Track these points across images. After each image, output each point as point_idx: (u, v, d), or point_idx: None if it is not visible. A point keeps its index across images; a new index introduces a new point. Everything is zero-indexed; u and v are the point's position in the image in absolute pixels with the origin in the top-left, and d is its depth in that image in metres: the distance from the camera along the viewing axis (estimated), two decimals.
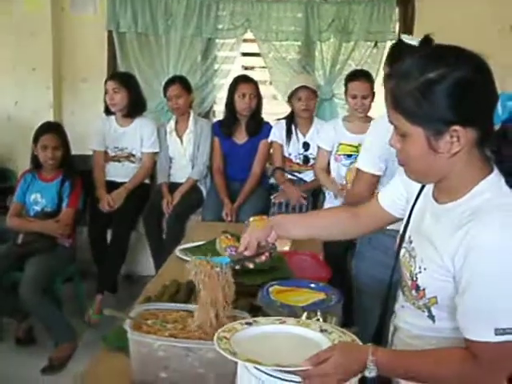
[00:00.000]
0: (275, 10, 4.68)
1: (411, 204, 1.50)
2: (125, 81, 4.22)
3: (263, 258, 1.73)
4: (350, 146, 3.57)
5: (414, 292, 1.39)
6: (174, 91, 4.27)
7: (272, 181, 4.32)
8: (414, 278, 1.38)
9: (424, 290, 1.35)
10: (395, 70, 1.29)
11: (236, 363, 1.28)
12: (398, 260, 1.51)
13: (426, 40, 2.24)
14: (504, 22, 3.63)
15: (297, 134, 4.13)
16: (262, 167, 4.32)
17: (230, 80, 4.53)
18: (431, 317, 1.37)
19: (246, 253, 1.65)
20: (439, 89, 1.20)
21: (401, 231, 1.53)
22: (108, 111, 4.31)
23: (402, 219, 1.59)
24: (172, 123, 4.43)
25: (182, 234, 4.07)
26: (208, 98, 4.89)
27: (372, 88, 3.56)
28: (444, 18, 4.35)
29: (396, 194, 1.59)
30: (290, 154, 4.17)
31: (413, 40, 2.23)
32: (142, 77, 4.69)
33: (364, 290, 2.43)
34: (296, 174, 4.15)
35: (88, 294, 3.95)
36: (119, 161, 4.33)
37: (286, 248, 2.64)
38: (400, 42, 2.30)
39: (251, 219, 2.85)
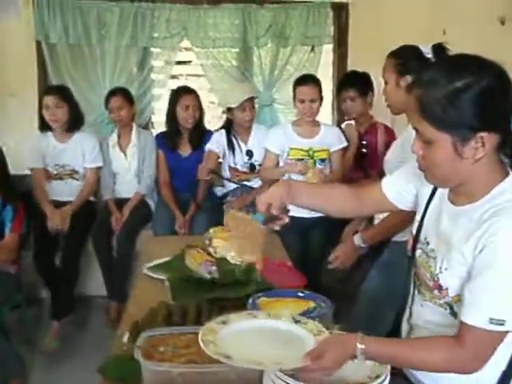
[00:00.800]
0: (212, 17, 4.62)
1: (423, 206, 1.53)
2: (65, 95, 4.03)
3: (286, 219, 1.68)
4: (301, 150, 3.57)
5: (436, 292, 1.42)
6: (116, 103, 4.13)
7: (224, 190, 4.25)
8: (436, 279, 1.41)
9: (447, 289, 1.39)
10: (422, 79, 1.32)
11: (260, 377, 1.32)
12: (414, 260, 1.53)
13: (439, 47, 2.29)
14: (438, 26, 3.73)
15: (238, 143, 4.06)
16: (208, 172, 4.22)
17: (167, 90, 4.43)
18: (453, 314, 1.41)
19: (274, 211, 1.61)
20: (466, 97, 1.24)
21: (414, 232, 1.55)
22: (43, 127, 4.10)
23: (404, 211, 1.65)
24: (114, 137, 4.28)
25: (133, 251, 3.97)
26: (146, 109, 4.76)
27: (320, 92, 3.56)
28: (377, 22, 4.46)
29: (403, 187, 1.62)
30: (236, 164, 4.10)
31: (426, 47, 2.27)
32: (77, 90, 4.47)
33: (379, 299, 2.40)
34: (245, 183, 4.09)
35: (36, 321, 3.74)
36: (62, 178, 4.12)
37: (255, 258, 2.59)
38: (412, 49, 2.33)
39: (211, 231, 2.81)
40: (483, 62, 1.30)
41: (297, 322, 1.47)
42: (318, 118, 3.67)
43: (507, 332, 1.29)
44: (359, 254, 2.42)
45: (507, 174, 1.36)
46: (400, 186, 1.63)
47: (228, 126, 4.05)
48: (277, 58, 4.74)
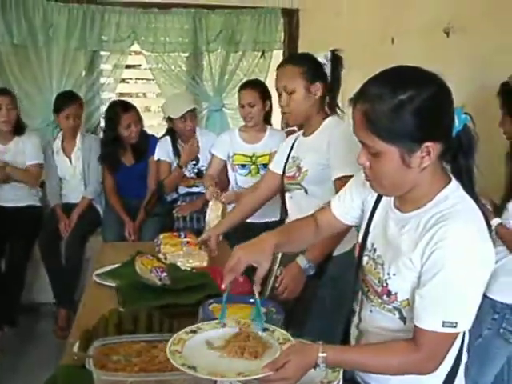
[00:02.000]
0: (162, 21, 4.60)
1: (368, 214, 1.56)
2: (13, 97, 3.94)
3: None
4: (244, 155, 3.57)
5: (384, 297, 1.44)
6: (74, 111, 4.04)
7: (174, 196, 4.22)
8: (385, 284, 1.43)
9: (396, 294, 1.41)
10: (366, 93, 1.33)
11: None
12: (362, 267, 1.55)
13: (334, 56, 2.37)
14: (387, 34, 3.80)
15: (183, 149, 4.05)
16: (156, 183, 4.18)
17: (116, 94, 4.38)
18: (402, 318, 1.43)
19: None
20: (410, 109, 1.27)
21: (360, 240, 1.58)
22: None
23: (353, 226, 1.67)
24: (58, 142, 4.19)
25: (82, 257, 3.90)
26: (95, 114, 4.70)
27: (262, 97, 3.56)
28: (326, 28, 4.51)
29: (350, 204, 1.64)
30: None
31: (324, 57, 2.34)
32: (22, 92, 4.39)
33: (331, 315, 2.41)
34: (193, 189, 4.08)
35: None
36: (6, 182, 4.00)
37: (204, 264, 2.59)
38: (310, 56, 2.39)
39: (161, 237, 2.80)
40: (424, 74, 1.33)
41: (265, 330, 1.48)
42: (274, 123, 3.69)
43: (459, 333, 1.34)
44: (308, 274, 2.32)
45: (449, 180, 1.39)
46: (347, 203, 1.65)
47: (172, 133, 4.02)
48: (227, 63, 4.77)
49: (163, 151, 4.00)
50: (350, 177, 1.71)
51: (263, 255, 1.56)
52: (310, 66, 2.35)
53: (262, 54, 4.80)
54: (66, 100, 4.05)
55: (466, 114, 1.37)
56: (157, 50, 4.65)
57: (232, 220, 2.72)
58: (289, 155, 2.53)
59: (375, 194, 1.53)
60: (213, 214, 3.02)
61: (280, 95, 2.39)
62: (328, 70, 2.39)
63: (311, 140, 2.43)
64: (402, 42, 3.65)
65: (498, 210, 2.29)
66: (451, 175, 1.41)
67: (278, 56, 4.80)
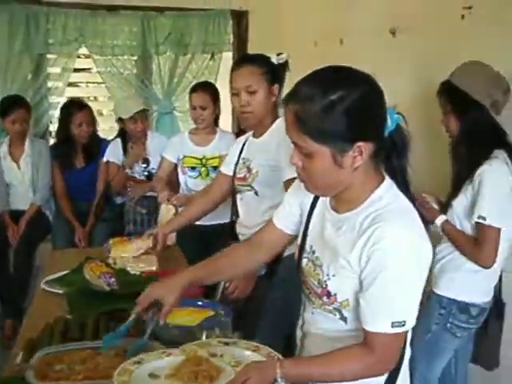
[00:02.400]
0: (110, 24, 4.52)
1: (306, 216, 1.56)
2: None
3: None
4: (194, 158, 3.56)
5: (325, 298, 1.44)
6: (21, 115, 3.95)
7: (119, 201, 4.17)
8: (324, 285, 1.43)
9: (335, 294, 1.41)
10: (297, 94, 1.33)
11: None
12: (302, 269, 1.54)
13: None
14: (335, 35, 3.84)
15: (134, 151, 4.02)
16: (106, 185, 4.14)
17: (65, 98, 4.30)
18: (343, 319, 1.43)
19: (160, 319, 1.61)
20: (341, 109, 1.27)
21: (299, 242, 1.57)
22: None
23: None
24: (5, 147, 4.09)
25: (31, 265, 3.82)
26: (43, 118, 4.59)
27: (213, 99, 3.56)
28: (276, 30, 4.53)
29: (291, 212, 1.63)
30: (133, 173, 4.04)
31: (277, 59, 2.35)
32: None
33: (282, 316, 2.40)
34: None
35: None
36: None
37: (154, 268, 2.57)
38: (265, 57, 2.38)
39: (111, 241, 2.77)
40: (356, 75, 1.33)
41: (212, 355, 1.45)
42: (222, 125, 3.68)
43: (408, 330, 1.36)
44: (259, 275, 2.35)
45: (383, 179, 1.40)
46: (288, 212, 1.64)
47: (123, 135, 3.99)
48: (176, 65, 4.73)
49: (113, 153, 3.97)
50: None
51: (169, 292, 1.60)
52: (270, 68, 2.36)
53: (212, 56, 4.78)
54: (12, 104, 3.96)
55: (398, 113, 1.37)
56: (105, 53, 4.57)
57: (180, 221, 2.72)
58: (239, 157, 2.53)
59: (312, 196, 1.53)
60: (164, 217, 3.00)
61: (236, 95, 2.37)
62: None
63: (261, 141, 2.43)
64: (351, 43, 3.70)
65: (444, 208, 2.33)
66: (385, 174, 1.41)
67: (227, 58, 4.79)
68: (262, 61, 2.39)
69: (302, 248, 1.55)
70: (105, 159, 3.99)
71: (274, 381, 1.31)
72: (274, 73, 2.37)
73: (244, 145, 2.54)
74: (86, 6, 4.46)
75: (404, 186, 1.40)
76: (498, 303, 2.40)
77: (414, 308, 1.34)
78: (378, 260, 1.29)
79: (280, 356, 1.48)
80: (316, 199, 1.53)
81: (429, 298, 2.38)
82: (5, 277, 3.83)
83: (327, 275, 1.41)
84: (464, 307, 2.30)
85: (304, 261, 1.52)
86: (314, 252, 1.49)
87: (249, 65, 2.39)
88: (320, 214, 1.51)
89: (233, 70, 2.43)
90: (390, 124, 1.35)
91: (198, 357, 1.41)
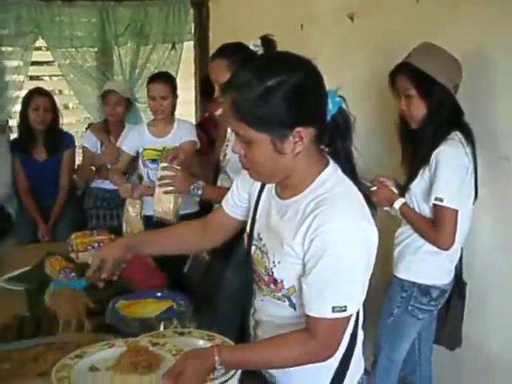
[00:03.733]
0: (67, 15, 4.47)
1: (254, 203, 1.55)
2: None
3: (114, 277, 1.75)
4: (155, 150, 3.51)
5: (272, 285, 1.44)
6: None
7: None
8: (270, 273, 1.43)
9: (282, 281, 1.41)
10: (234, 81, 1.32)
11: None
12: (250, 257, 1.54)
13: (266, 40, 2.31)
14: (295, 21, 3.82)
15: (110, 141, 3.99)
16: (69, 179, 4.12)
17: (24, 92, 4.23)
18: (292, 305, 1.44)
19: (104, 275, 1.65)
20: (278, 95, 1.26)
21: (247, 230, 1.56)
22: None
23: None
24: None
25: None
26: (3, 113, 4.52)
27: (172, 89, 3.53)
28: (236, 18, 4.50)
29: (239, 198, 1.63)
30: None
31: (252, 42, 2.30)
32: None
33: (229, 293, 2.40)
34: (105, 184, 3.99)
35: None
36: None
37: None
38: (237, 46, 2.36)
39: (73, 236, 2.73)
40: (294, 59, 1.32)
41: (154, 344, 1.44)
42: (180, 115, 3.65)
43: (351, 315, 1.34)
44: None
45: (327, 163, 1.39)
46: (235, 197, 1.64)
47: (104, 124, 4.02)
48: (137, 56, 4.71)
49: (89, 141, 3.98)
50: None
51: (110, 252, 1.69)
52: (236, 57, 2.31)
53: (173, 45, 4.75)
54: None
55: (340, 96, 1.36)
56: (63, 44, 4.52)
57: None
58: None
59: (259, 183, 1.52)
60: (130, 213, 2.97)
61: None
62: None
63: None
64: (311, 28, 3.68)
65: (402, 191, 2.34)
66: (329, 158, 1.41)
67: (189, 47, 4.77)
68: (227, 51, 2.36)
69: (250, 235, 1.54)
70: (83, 144, 3.98)
71: (213, 368, 1.29)
72: (246, 61, 2.33)
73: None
74: None
75: (348, 169, 1.40)
76: (459, 283, 2.42)
77: (357, 293, 1.34)
78: (320, 244, 1.28)
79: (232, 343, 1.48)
80: (263, 186, 1.53)
81: (390, 282, 2.40)
82: None
83: (273, 262, 1.41)
84: (425, 289, 2.31)
85: (253, 248, 1.52)
86: (261, 239, 1.49)
87: (217, 57, 2.38)
88: (266, 201, 1.51)
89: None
90: (331, 107, 1.34)
91: (138, 346, 1.40)
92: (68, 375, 1.27)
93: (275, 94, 1.25)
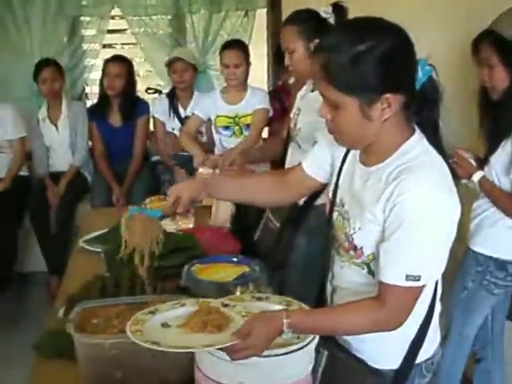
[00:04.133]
0: None
1: (337, 169, 1.55)
2: None
3: (190, 215, 1.72)
4: (227, 117, 3.54)
5: (352, 252, 1.44)
6: (50, 74, 4.02)
7: (156, 158, 4.24)
8: (350, 239, 1.43)
9: (362, 248, 1.41)
10: (324, 44, 1.31)
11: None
12: (332, 223, 1.54)
13: (338, 7, 2.27)
14: None
15: (178, 108, 4.05)
16: (143, 146, 4.23)
17: (100, 60, 4.33)
18: (371, 272, 1.44)
19: (179, 209, 1.64)
20: (369, 60, 1.25)
21: (330, 195, 1.56)
22: None
23: (326, 184, 1.64)
24: (44, 110, 4.18)
25: (72, 225, 3.92)
26: (79, 80, 4.64)
27: (245, 57, 3.53)
28: None
29: (321, 160, 1.62)
30: (173, 129, 4.08)
31: (323, 9, 2.26)
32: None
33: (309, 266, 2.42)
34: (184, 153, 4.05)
35: None
36: None
37: (191, 225, 2.59)
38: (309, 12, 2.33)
39: (147, 200, 2.80)
40: (384, 24, 1.30)
41: (225, 305, 1.45)
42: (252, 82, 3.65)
43: (424, 286, 1.33)
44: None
45: (413, 132, 1.38)
46: (318, 158, 1.63)
47: (171, 92, 4.08)
48: (210, 24, 4.67)
49: (158, 109, 4.08)
50: None
51: (188, 188, 1.66)
52: (307, 24, 2.31)
53: (246, 13, 4.71)
54: (42, 65, 4.05)
55: (430, 65, 1.33)
56: (138, 13, 4.56)
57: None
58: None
59: (343, 149, 1.51)
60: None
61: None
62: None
63: (313, 96, 2.36)
64: None
65: (482, 164, 2.28)
66: (416, 128, 1.39)
67: (261, 15, 4.71)
68: (298, 18, 2.35)
69: (333, 201, 1.54)
70: (151, 114, 4.07)
71: (281, 331, 1.30)
72: (315, 28, 2.29)
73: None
74: None
75: (434, 139, 1.37)
76: None
77: (433, 263, 1.32)
78: (401, 211, 1.27)
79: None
80: (347, 153, 1.52)
81: (465, 255, 2.36)
82: (47, 236, 3.95)
83: (353, 229, 1.41)
84: (501, 264, 2.27)
85: (334, 214, 1.52)
86: (343, 205, 1.49)
87: (286, 25, 2.39)
88: (350, 168, 1.50)
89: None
90: (421, 76, 1.32)
91: (209, 307, 1.42)
92: (141, 329, 1.32)
93: (366, 58, 1.25)
